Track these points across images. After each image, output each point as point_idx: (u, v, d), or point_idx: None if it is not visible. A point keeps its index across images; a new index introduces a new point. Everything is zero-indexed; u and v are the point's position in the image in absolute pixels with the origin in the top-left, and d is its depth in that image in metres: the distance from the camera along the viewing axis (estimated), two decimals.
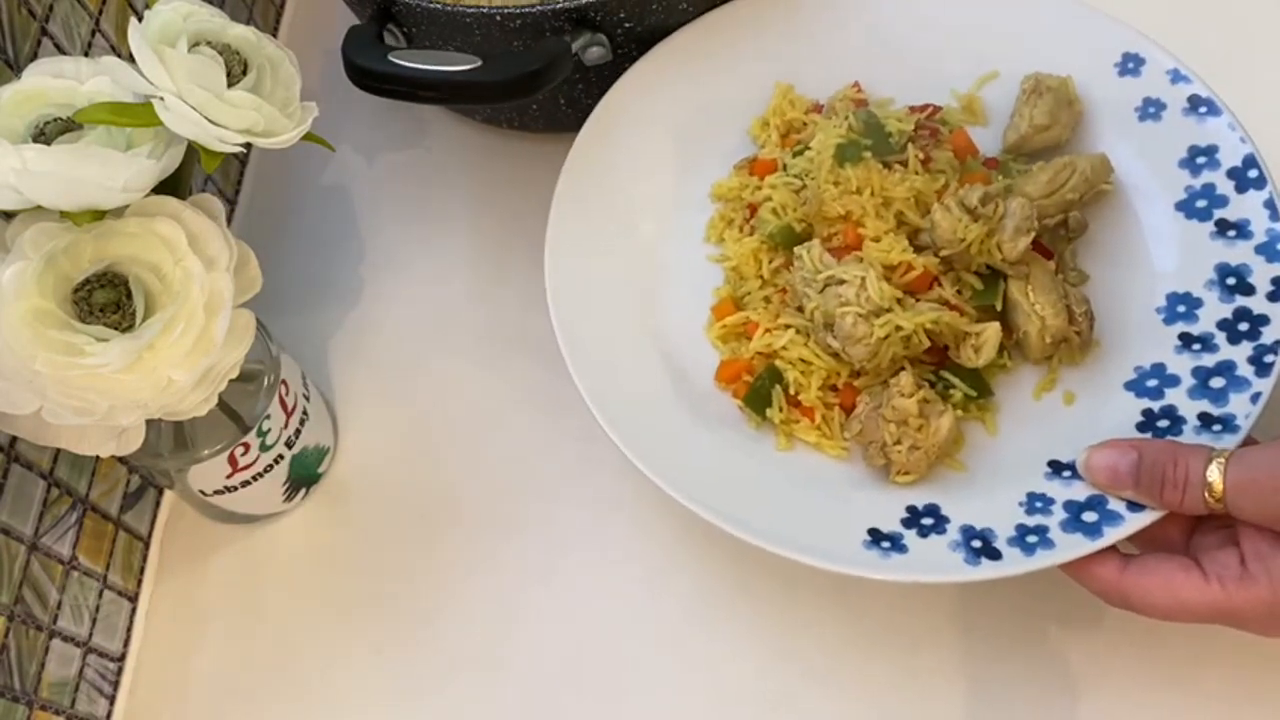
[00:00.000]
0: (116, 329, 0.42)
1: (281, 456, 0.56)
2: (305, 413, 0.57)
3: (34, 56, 0.54)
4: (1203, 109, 0.55)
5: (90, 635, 0.55)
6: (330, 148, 0.50)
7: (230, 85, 0.44)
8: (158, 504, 0.61)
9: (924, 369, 0.54)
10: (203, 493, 0.56)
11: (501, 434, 0.61)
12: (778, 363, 0.54)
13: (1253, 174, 0.53)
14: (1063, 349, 0.53)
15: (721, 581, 0.55)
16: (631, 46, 0.60)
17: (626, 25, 0.58)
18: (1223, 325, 0.51)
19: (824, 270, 0.53)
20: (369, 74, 0.55)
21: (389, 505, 0.60)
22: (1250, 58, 0.64)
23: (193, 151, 0.45)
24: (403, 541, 0.59)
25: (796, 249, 0.54)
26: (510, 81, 0.54)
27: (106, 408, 0.42)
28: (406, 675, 0.55)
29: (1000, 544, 0.47)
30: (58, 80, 0.45)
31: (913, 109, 0.60)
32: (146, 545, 0.60)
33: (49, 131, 0.43)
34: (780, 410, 0.54)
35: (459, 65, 0.53)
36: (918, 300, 0.53)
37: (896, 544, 0.48)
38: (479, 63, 0.53)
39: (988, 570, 0.46)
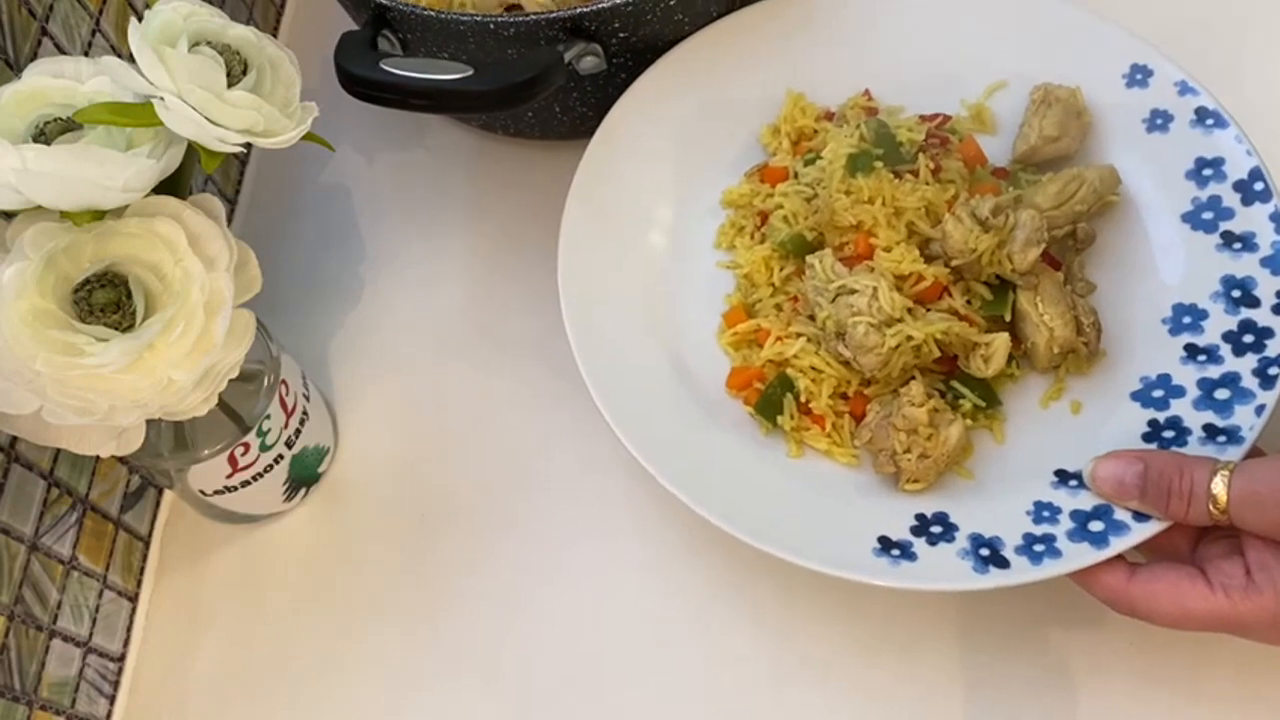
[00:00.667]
0: (116, 329, 0.42)
1: (281, 456, 0.56)
2: (305, 413, 0.57)
3: (34, 56, 0.53)
4: (1210, 121, 0.55)
5: (90, 635, 0.55)
6: (330, 148, 0.50)
7: (230, 85, 0.44)
8: (158, 504, 0.61)
9: (934, 378, 0.54)
10: (203, 493, 0.56)
11: (501, 434, 0.61)
12: (789, 370, 0.54)
13: (1259, 187, 0.53)
14: (1070, 359, 0.54)
15: (722, 582, 0.55)
16: (626, 56, 0.59)
17: (621, 35, 0.57)
18: (1228, 337, 0.51)
19: (836, 280, 0.53)
20: (361, 81, 0.54)
21: (389, 505, 0.60)
22: (1258, 70, 0.64)
23: (193, 151, 0.44)
24: (403, 541, 0.59)
25: (809, 258, 0.54)
26: (501, 91, 0.54)
27: (106, 408, 0.42)
28: (407, 675, 0.55)
29: (1008, 552, 0.47)
30: (58, 80, 0.45)
31: (923, 118, 0.60)
32: (146, 545, 0.60)
33: (49, 131, 0.43)
34: (791, 418, 0.54)
35: (450, 74, 0.53)
36: (928, 310, 0.53)
37: (906, 551, 0.48)
38: (470, 71, 0.53)
39: (996, 579, 0.46)
